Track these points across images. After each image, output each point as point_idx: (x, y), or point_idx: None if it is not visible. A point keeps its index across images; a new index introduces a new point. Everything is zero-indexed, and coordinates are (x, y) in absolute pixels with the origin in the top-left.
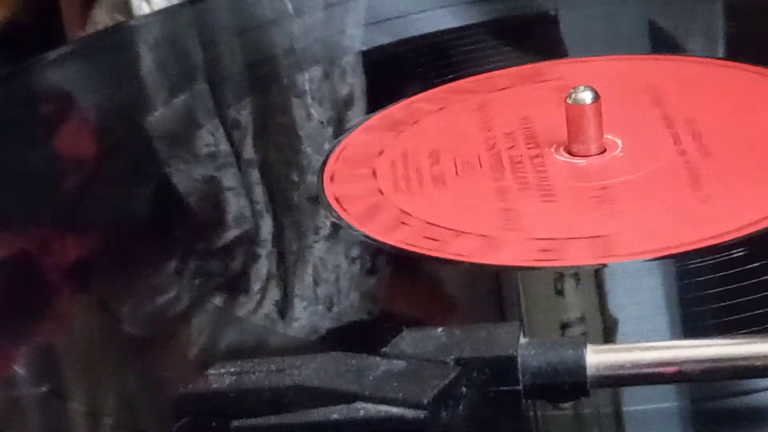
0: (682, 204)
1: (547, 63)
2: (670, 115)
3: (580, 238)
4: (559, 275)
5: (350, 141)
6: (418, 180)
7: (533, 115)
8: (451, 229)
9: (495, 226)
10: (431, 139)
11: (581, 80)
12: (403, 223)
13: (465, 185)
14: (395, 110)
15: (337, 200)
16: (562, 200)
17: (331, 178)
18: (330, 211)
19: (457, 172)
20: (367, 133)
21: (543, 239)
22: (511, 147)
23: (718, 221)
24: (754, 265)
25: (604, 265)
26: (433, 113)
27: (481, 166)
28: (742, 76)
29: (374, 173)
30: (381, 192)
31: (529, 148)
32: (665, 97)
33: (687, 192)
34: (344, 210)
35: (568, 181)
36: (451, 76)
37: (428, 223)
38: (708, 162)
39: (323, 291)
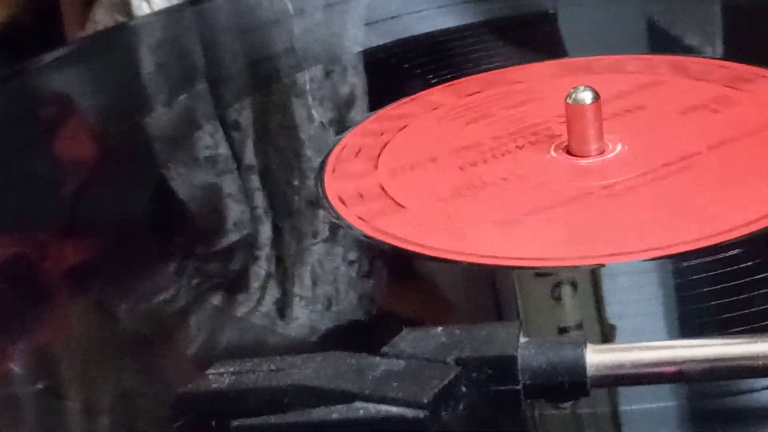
0: (682, 204)
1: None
2: (669, 115)
3: (581, 237)
4: (559, 275)
5: (350, 140)
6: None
7: (523, 116)
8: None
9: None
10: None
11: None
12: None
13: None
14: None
15: (337, 199)
16: (563, 200)
17: (332, 178)
18: (330, 211)
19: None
20: (367, 132)
21: (561, 240)
22: (511, 147)
23: (718, 221)
24: (754, 264)
25: (603, 265)
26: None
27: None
28: (742, 76)
29: (375, 172)
30: (383, 190)
31: (526, 147)
32: (665, 97)
33: (687, 192)
34: (345, 209)
35: (569, 181)
36: (450, 76)
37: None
38: (708, 161)
39: (323, 291)
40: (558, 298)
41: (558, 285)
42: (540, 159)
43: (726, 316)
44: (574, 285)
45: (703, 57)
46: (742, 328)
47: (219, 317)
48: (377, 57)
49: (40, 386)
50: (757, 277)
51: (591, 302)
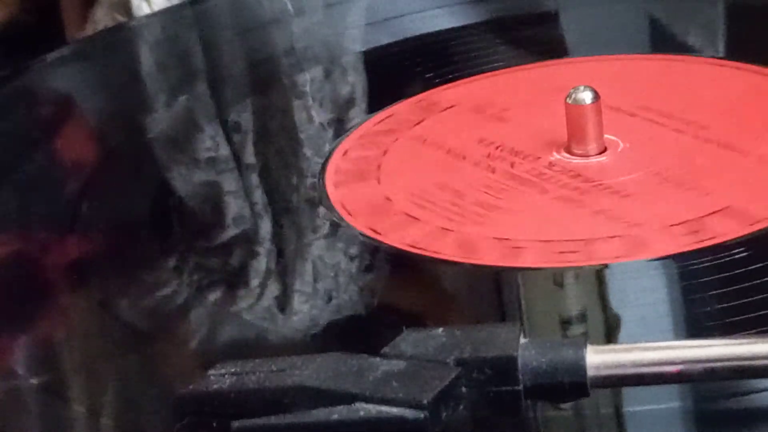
0: (682, 203)
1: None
2: (669, 115)
3: (581, 237)
4: (559, 275)
5: (351, 141)
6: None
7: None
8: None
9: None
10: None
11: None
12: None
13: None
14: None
15: (339, 201)
16: (563, 200)
17: (333, 179)
18: (331, 212)
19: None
20: (368, 133)
21: (681, 223)
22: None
23: (718, 221)
24: (755, 265)
25: (605, 266)
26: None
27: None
28: (742, 76)
29: (378, 178)
30: (385, 193)
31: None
32: (665, 97)
33: (687, 191)
34: (345, 210)
35: (568, 181)
36: (450, 76)
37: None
38: (708, 161)
39: (324, 291)
40: (559, 298)
41: (558, 285)
42: (540, 159)
43: (726, 316)
44: (574, 285)
45: (703, 57)
46: (744, 331)
47: (221, 318)
48: (377, 57)
49: (40, 385)
50: (757, 278)
51: (591, 303)
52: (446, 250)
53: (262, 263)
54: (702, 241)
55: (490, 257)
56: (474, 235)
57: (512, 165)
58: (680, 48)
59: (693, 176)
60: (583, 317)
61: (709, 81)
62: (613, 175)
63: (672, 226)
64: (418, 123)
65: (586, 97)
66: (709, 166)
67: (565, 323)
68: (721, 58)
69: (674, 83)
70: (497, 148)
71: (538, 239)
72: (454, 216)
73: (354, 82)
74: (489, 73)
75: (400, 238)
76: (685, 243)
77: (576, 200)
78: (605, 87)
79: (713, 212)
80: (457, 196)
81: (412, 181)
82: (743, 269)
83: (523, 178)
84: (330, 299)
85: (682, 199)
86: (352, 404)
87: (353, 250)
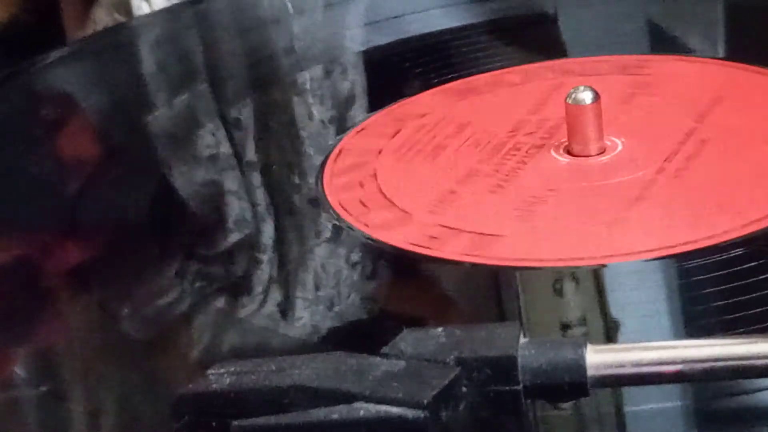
0: (682, 203)
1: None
2: (670, 115)
3: (585, 236)
4: (559, 275)
5: (350, 141)
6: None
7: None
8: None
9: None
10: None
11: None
12: (405, 222)
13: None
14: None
15: (337, 200)
16: (563, 200)
17: (332, 178)
18: (330, 211)
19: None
20: (368, 133)
21: (549, 238)
22: (513, 151)
23: (719, 220)
24: (754, 264)
25: (604, 266)
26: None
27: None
28: (742, 76)
29: (374, 174)
30: (382, 192)
31: (525, 147)
32: (665, 97)
33: (687, 191)
34: (344, 210)
35: (569, 181)
36: (450, 76)
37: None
38: (708, 161)
39: (324, 291)
40: (558, 299)
41: (559, 285)
42: (539, 159)
43: (726, 316)
44: (574, 285)
45: (703, 57)
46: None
47: (221, 318)
48: (377, 57)
49: (41, 388)
50: (757, 277)
51: (592, 303)
52: (411, 237)
53: (260, 262)
54: (702, 240)
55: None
56: (430, 223)
57: (510, 165)
58: (680, 48)
59: (693, 176)
60: (581, 319)
61: (709, 81)
62: (612, 174)
63: (673, 225)
64: (415, 122)
65: (586, 97)
66: (709, 165)
67: (564, 326)
68: (721, 59)
69: (674, 84)
70: (494, 149)
71: (537, 239)
72: (439, 206)
73: (354, 81)
74: (488, 74)
75: (395, 232)
76: (686, 242)
77: (575, 200)
78: (605, 87)
79: (712, 211)
80: (453, 195)
81: (412, 181)
82: (744, 269)
83: (520, 179)
84: (330, 302)
85: (683, 199)
86: (352, 404)
87: (351, 251)
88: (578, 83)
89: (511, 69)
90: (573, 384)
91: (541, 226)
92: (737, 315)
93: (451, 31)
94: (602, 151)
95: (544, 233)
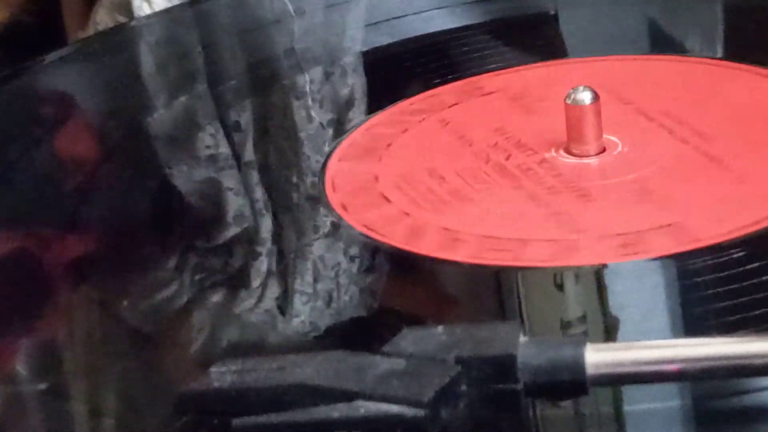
0: (682, 203)
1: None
2: (669, 115)
3: (655, 228)
4: (560, 275)
5: (351, 141)
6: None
7: (505, 125)
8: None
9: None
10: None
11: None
12: (405, 221)
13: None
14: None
15: (338, 201)
16: (601, 198)
17: (332, 179)
18: (330, 211)
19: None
20: (368, 134)
21: (619, 235)
22: (508, 157)
23: (718, 220)
24: (754, 264)
25: (604, 266)
26: (398, 135)
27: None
28: (742, 76)
29: (376, 177)
30: (382, 192)
31: (527, 155)
32: (665, 97)
33: (687, 192)
34: (345, 212)
35: (569, 181)
36: (450, 77)
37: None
38: (707, 161)
39: (324, 290)
40: (559, 298)
41: (559, 286)
42: (536, 155)
43: (726, 315)
44: (574, 285)
45: (703, 57)
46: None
47: (222, 316)
48: (377, 57)
49: (41, 384)
50: (757, 277)
51: (592, 303)
52: (395, 235)
53: (260, 260)
54: (702, 239)
55: (429, 247)
56: (425, 223)
57: (507, 157)
58: (680, 48)
59: (693, 176)
60: (582, 318)
61: (709, 81)
62: (612, 174)
63: (673, 225)
64: (452, 106)
65: (586, 97)
66: (709, 166)
67: (565, 326)
68: (721, 59)
69: (674, 84)
70: (506, 138)
71: (480, 234)
72: (422, 202)
73: (354, 82)
74: (487, 74)
75: (360, 218)
76: (686, 242)
77: (543, 200)
78: (605, 87)
79: (712, 211)
80: (437, 182)
81: (407, 162)
82: (744, 269)
83: (508, 171)
84: (330, 301)
85: (682, 199)
86: (353, 402)
87: (351, 250)
88: (576, 84)
89: (510, 69)
90: (573, 383)
91: (541, 226)
92: (736, 315)
93: (450, 31)
94: (601, 152)
95: (544, 233)
